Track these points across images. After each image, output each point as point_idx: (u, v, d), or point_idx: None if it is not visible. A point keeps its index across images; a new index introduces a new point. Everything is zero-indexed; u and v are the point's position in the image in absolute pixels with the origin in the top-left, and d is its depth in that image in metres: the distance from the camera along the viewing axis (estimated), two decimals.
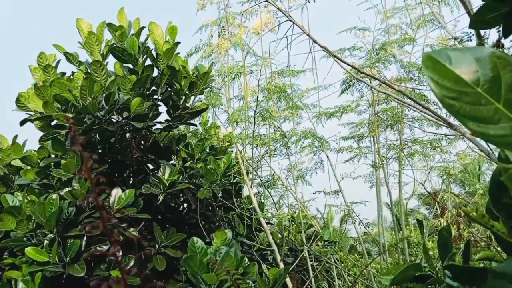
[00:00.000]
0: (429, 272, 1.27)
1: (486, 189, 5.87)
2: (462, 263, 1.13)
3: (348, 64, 2.07)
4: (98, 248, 3.20)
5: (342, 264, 5.58)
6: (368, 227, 5.08)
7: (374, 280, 5.31)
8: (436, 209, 6.18)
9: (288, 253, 4.88)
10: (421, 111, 2.30)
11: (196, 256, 2.58)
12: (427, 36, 4.25)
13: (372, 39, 5.27)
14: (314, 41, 2.11)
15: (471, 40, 2.01)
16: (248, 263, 3.02)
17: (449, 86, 0.47)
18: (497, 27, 1.56)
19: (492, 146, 2.13)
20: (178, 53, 4.03)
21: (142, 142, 4.24)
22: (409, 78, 4.99)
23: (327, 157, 5.66)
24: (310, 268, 4.55)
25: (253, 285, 2.85)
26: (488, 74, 0.46)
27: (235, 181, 4.30)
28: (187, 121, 4.22)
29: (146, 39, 3.75)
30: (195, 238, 2.71)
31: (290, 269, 4.28)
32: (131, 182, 4.14)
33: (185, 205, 4.46)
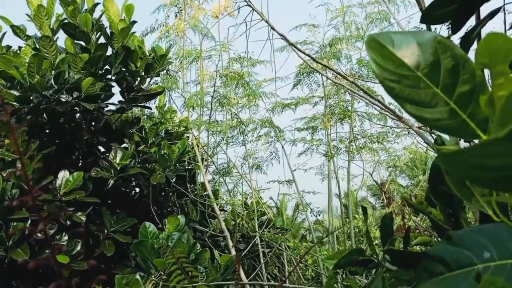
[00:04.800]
0: (371, 257, 1.32)
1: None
2: (402, 248, 1.18)
3: (305, 54, 2.09)
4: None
5: (295, 251, 5.70)
6: (319, 215, 5.21)
7: (323, 266, 5.48)
8: (383, 199, 6.44)
9: (241, 239, 4.92)
10: (373, 103, 2.37)
11: (147, 241, 2.54)
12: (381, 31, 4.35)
13: (323, 35, 5.34)
14: (272, 28, 2.11)
15: None
16: (200, 249, 3.01)
17: (391, 69, 0.48)
18: (447, 23, 1.62)
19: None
20: (134, 32, 3.91)
21: (93, 123, 4.10)
22: (359, 75, 5.11)
23: (282, 147, 5.73)
24: (261, 254, 4.62)
25: (204, 271, 2.85)
26: (429, 59, 0.47)
27: (189, 167, 4.26)
28: (142, 104, 4.12)
29: (101, 16, 3.60)
30: (147, 223, 2.67)
31: (242, 255, 4.32)
32: (80, 164, 4.00)
33: (137, 190, 4.37)
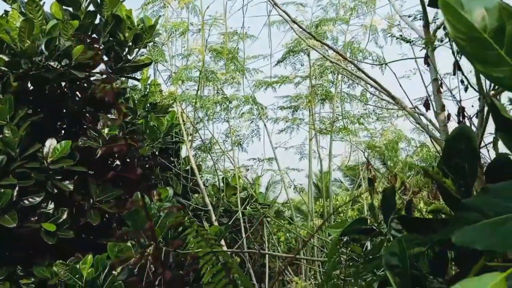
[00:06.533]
0: (372, 226, 1.41)
1: (404, 162, 6.40)
2: None
3: (307, 31, 2.12)
4: (30, 199, 3.06)
5: (271, 226, 5.84)
6: (302, 192, 5.34)
7: (294, 242, 5.71)
8: (361, 180, 6.64)
9: (223, 214, 5.00)
10: (369, 84, 2.45)
11: (140, 211, 2.58)
12: (374, 13, 4.43)
13: (310, 15, 5.36)
14: (275, 4, 2.13)
15: (420, 19, 2.16)
16: (189, 220, 3.07)
17: (463, 30, 0.53)
18: None
19: (426, 120, 2.34)
20: (123, 0, 3.83)
21: (78, 92, 4.02)
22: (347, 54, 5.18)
23: (265, 125, 5.80)
24: (243, 229, 4.72)
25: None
26: (494, 23, 0.53)
27: (175, 140, 4.27)
28: (130, 75, 4.08)
29: None
30: (139, 193, 2.69)
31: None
32: (62, 133, 3.93)
33: (118, 162, 4.34)
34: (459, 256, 1.05)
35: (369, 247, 1.57)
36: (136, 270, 2.35)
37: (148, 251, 2.29)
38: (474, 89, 1.92)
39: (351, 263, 1.30)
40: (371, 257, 1.31)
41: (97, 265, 2.62)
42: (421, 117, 2.36)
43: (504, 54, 0.52)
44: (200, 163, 5.54)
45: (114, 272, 2.31)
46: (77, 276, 2.55)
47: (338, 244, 1.41)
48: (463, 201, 0.64)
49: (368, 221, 1.43)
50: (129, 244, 2.61)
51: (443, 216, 1.05)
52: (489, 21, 0.53)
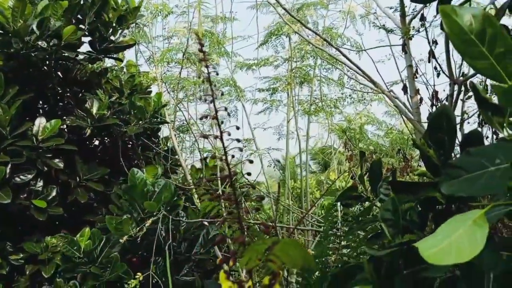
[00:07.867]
0: (361, 193, 1.63)
1: (375, 144, 6.75)
2: None
3: (296, 18, 2.28)
4: (22, 177, 3.13)
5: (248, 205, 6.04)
6: (282, 170, 5.57)
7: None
8: (323, 163, 6.95)
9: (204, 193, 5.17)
10: (351, 68, 2.65)
11: (137, 186, 2.71)
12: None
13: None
14: None
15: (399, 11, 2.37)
16: (177, 197, 3.24)
17: (455, 30, 0.72)
18: (429, 3, 1.91)
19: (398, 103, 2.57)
20: None
21: (60, 72, 4.03)
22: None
23: (243, 106, 5.97)
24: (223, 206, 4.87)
25: (184, 214, 3.10)
26: (478, 27, 0.71)
27: (160, 120, 4.37)
28: (114, 56, 4.13)
29: None
30: (135, 169, 2.82)
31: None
32: (42, 112, 3.95)
33: (97, 142, 4.42)
34: (437, 214, 1.28)
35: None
36: (138, 241, 2.50)
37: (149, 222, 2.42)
38: (446, 75, 2.16)
39: (345, 223, 1.51)
40: (360, 219, 1.53)
41: (93, 238, 2.75)
42: (396, 100, 2.59)
43: (485, 50, 0.72)
44: (180, 143, 5.66)
45: (122, 239, 2.45)
46: (75, 248, 2.67)
47: (332, 209, 1.63)
48: (450, 161, 0.84)
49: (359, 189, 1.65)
50: (125, 217, 2.75)
51: (427, 180, 1.27)
52: (475, 25, 0.73)
